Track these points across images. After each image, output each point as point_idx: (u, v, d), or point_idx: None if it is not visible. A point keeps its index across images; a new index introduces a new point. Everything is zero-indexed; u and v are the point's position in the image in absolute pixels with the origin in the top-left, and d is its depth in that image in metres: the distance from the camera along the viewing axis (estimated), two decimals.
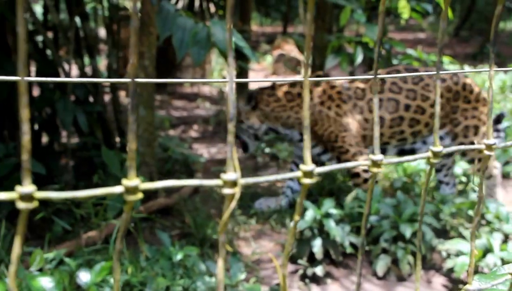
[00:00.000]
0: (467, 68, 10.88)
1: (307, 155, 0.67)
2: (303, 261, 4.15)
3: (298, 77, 5.97)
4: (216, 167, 6.40)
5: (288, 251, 0.71)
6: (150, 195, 4.92)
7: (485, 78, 9.75)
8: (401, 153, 4.96)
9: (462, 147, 0.87)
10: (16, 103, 4.90)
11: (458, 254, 4.17)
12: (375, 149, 0.78)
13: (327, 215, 4.23)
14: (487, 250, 4.06)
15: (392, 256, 4.20)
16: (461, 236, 4.45)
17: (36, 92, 5.65)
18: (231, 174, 0.62)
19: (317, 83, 4.86)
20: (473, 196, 5.17)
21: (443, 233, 4.56)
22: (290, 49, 12.33)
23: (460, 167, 5.63)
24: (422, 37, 19.73)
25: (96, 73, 5.60)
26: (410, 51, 8.06)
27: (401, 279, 4.17)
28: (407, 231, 4.11)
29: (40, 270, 3.36)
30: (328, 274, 4.20)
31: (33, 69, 5.43)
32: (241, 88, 7.50)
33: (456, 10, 20.83)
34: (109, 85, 6.70)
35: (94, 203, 4.44)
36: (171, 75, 10.16)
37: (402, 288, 4.09)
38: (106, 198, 4.39)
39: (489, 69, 0.88)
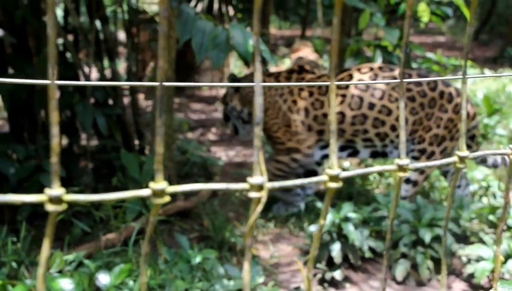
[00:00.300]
0: (487, 72, 10.81)
1: (334, 158, 0.67)
2: (321, 265, 4.14)
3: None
4: (234, 169, 6.40)
5: (313, 255, 0.71)
6: None
7: (506, 83, 9.68)
8: (374, 155, 4.96)
9: (489, 152, 0.86)
10: (35, 105, 4.94)
11: (479, 259, 4.13)
12: (401, 153, 0.78)
13: (346, 219, 4.22)
14: (508, 256, 4.02)
15: (411, 261, 4.18)
16: (481, 241, 4.42)
17: (56, 94, 5.68)
18: (257, 178, 0.62)
19: (289, 77, 5.02)
20: (493, 201, 5.13)
21: (463, 238, 4.53)
22: (309, 52, 12.31)
23: (481, 171, 5.59)
24: (441, 41, 19.63)
25: (115, 76, 5.62)
26: (429, 54, 8.02)
27: (420, 284, 4.14)
28: (427, 236, 4.08)
29: (60, 271, 3.38)
30: (346, 278, 4.18)
31: None
32: None
33: (476, 13, 20.68)
34: (128, 88, 6.73)
35: (113, 205, 4.46)
36: (189, 78, 10.18)
37: None
38: (125, 201, 4.41)
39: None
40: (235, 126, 5.35)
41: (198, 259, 3.75)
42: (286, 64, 13.68)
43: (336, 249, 4.13)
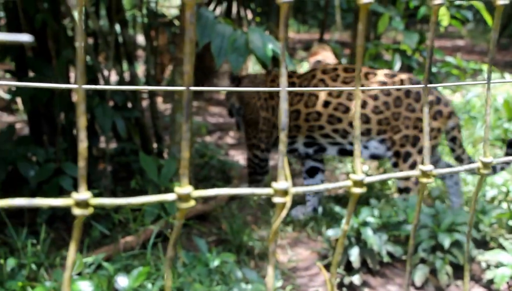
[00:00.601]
0: (507, 76, 10.72)
1: (358, 163, 0.67)
2: (340, 270, 4.13)
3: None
4: None
5: (336, 261, 0.71)
6: None
7: None
8: (342, 153, 5.00)
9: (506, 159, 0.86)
10: (55, 108, 4.97)
11: (498, 265, 4.10)
12: (425, 158, 0.78)
13: (365, 224, 4.20)
14: None
15: (430, 266, 4.15)
16: (501, 246, 4.39)
17: (75, 97, 5.72)
18: (282, 183, 0.62)
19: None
20: None
21: (482, 244, 4.50)
22: (327, 56, 12.29)
23: (501, 177, 5.55)
24: (460, 44, 19.51)
25: (134, 79, 5.65)
26: (449, 58, 7.98)
27: (439, 289, 4.12)
28: (446, 241, 4.06)
29: (79, 274, 3.40)
30: (365, 283, 4.17)
31: (72, 75, 5.51)
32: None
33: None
34: (147, 91, 6.76)
35: (132, 208, 4.48)
36: (208, 82, 10.20)
37: None
38: (144, 203, 4.42)
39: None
40: (238, 122, 5.62)
41: (216, 263, 3.76)
42: (304, 67, 13.68)
43: (354, 254, 4.12)
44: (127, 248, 4.16)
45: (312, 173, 5.37)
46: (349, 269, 4.16)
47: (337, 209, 4.55)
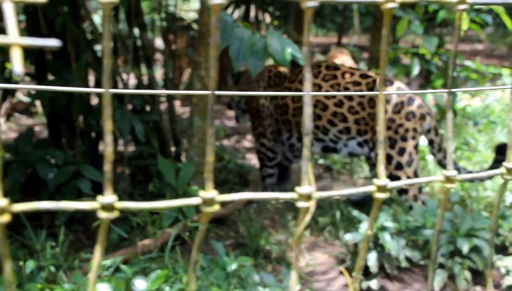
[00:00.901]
0: None
1: (381, 169, 0.66)
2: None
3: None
4: None
5: (359, 265, 0.70)
6: None
7: None
8: (326, 149, 5.15)
9: None
10: (74, 111, 5.00)
11: None
12: (448, 164, 0.77)
13: (383, 228, 4.19)
14: None
15: (448, 271, 4.13)
16: None
17: (94, 101, 5.76)
18: (306, 188, 0.62)
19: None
20: None
21: (501, 249, 4.46)
22: (345, 60, 12.27)
23: None
24: (479, 48, 19.38)
25: (152, 83, 5.67)
26: (467, 62, 7.93)
27: None
28: (465, 246, 4.03)
29: (98, 276, 3.41)
30: (382, 288, 4.15)
31: (91, 78, 5.54)
32: None
33: None
34: (165, 95, 6.78)
35: (150, 211, 4.49)
36: (224, 85, 10.21)
37: None
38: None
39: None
40: (237, 115, 5.88)
41: (233, 266, 3.76)
42: None
43: (372, 258, 4.10)
44: (145, 251, 4.17)
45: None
46: (366, 273, 4.15)
47: (355, 213, 4.53)
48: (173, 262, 4.04)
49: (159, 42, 11.86)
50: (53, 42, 0.49)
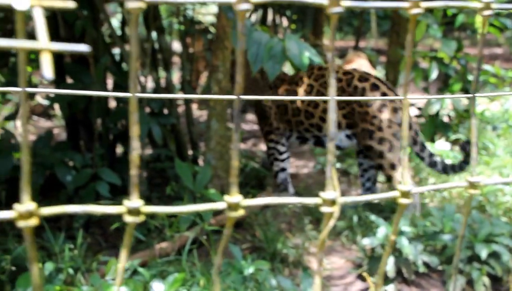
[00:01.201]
0: None
1: (406, 175, 0.66)
2: (374, 279, 4.10)
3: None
4: None
5: (382, 270, 0.70)
6: None
7: None
8: (317, 143, 5.41)
9: None
10: (92, 115, 5.03)
11: None
12: (472, 169, 0.77)
13: (400, 233, 4.17)
14: None
15: (466, 277, 4.10)
16: None
17: (112, 104, 5.79)
18: (330, 193, 0.62)
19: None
20: None
21: None
22: (362, 63, 12.24)
23: None
24: (498, 52, 19.25)
25: (170, 86, 5.69)
26: (486, 66, 7.88)
27: None
28: (483, 252, 4.00)
29: (115, 279, 3.42)
30: None
31: (110, 81, 5.57)
32: None
33: None
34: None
35: (167, 214, 4.50)
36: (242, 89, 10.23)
37: None
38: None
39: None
40: (245, 107, 6.03)
41: (250, 270, 3.75)
42: None
43: (389, 263, 4.09)
44: (162, 254, 4.18)
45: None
46: (384, 278, 4.13)
47: (373, 217, 4.51)
48: (190, 265, 4.04)
49: (176, 46, 11.91)
50: (82, 48, 0.49)
